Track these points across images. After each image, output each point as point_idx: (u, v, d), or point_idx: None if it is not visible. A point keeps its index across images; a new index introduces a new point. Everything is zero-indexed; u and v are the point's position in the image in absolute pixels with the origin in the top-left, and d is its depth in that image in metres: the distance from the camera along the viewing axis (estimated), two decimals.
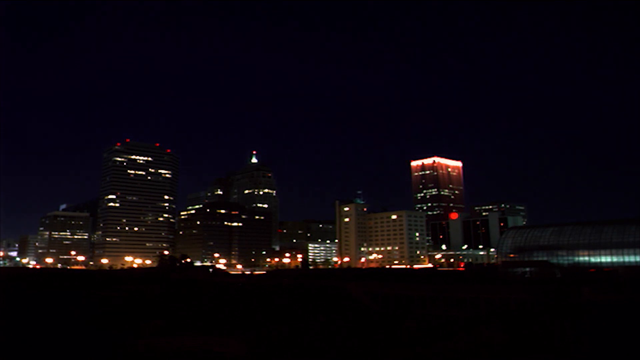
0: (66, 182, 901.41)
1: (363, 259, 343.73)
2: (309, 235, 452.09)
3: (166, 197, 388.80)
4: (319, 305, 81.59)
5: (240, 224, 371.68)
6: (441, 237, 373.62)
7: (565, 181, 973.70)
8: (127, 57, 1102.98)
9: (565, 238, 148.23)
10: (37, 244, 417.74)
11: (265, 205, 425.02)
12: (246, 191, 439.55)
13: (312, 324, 63.82)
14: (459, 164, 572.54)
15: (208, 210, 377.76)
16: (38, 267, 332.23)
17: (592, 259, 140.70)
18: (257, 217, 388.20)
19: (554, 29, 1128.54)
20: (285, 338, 55.70)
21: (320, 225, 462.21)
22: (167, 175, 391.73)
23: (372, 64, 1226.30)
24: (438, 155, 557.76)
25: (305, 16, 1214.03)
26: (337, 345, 53.53)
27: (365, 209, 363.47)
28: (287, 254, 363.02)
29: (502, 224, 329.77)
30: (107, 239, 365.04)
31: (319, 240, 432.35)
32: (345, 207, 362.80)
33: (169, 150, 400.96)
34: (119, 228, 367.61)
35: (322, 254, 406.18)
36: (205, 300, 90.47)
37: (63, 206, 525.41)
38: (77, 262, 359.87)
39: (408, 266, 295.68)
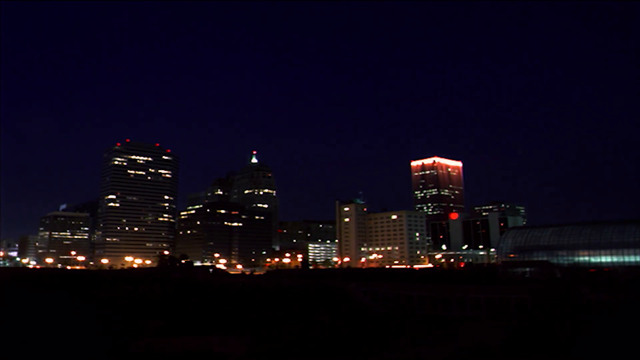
0: (66, 182, 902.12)
1: (363, 259, 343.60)
2: (309, 235, 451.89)
3: (166, 197, 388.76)
4: (319, 305, 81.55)
5: (240, 224, 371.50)
6: (441, 237, 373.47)
7: (565, 181, 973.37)
8: (127, 57, 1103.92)
9: (565, 238, 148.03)
10: (37, 244, 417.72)
11: (265, 205, 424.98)
12: (246, 191, 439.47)
13: (312, 324, 63.80)
14: (459, 164, 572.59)
15: (208, 210, 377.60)
16: (38, 267, 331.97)
17: (592, 259, 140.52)
18: (257, 217, 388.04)
19: (554, 29, 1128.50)
20: (285, 338, 55.69)
21: (320, 225, 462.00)
22: (167, 175, 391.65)
23: (372, 64, 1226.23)
24: (438, 155, 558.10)
25: (305, 16, 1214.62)
26: (337, 345, 53.50)
27: (365, 209, 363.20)
28: (287, 254, 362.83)
29: (502, 224, 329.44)
30: (107, 239, 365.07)
31: (319, 240, 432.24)
32: (345, 207, 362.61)
33: (169, 150, 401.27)
34: (119, 228, 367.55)
35: (322, 254, 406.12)
36: (205, 300, 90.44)
37: (63, 206, 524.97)
38: (77, 262, 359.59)
39: (408, 266, 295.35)
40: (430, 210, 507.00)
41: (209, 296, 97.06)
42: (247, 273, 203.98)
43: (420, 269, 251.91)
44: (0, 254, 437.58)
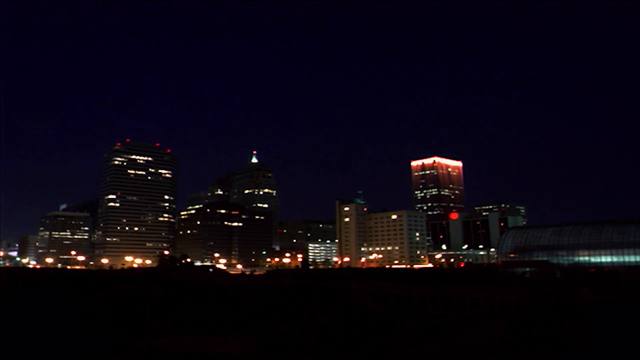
0: (66, 182, 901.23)
1: (363, 259, 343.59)
2: (309, 235, 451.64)
3: (166, 197, 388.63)
4: (319, 305, 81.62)
5: (240, 224, 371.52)
6: (441, 237, 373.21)
7: (565, 181, 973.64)
8: (127, 57, 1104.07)
9: (565, 238, 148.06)
10: (37, 244, 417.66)
11: (265, 205, 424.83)
12: (246, 191, 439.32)
13: (312, 324, 63.85)
14: (459, 164, 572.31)
15: (208, 210, 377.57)
16: (38, 267, 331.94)
17: (592, 259, 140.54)
18: (257, 217, 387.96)
19: (554, 29, 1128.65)
20: (285, 338, 55.73)
21: (320, 225, 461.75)
22: (167, 175, 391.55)
23: (372, 64, 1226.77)
24: (438, 155, 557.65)
25: (305, 16, 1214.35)
26: (337, 345, 53.54)
27: (365, 209, 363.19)
28: (287, 254, 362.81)
29: (502, 224, 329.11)
30: (107, 239, 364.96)
31: (319, 240, 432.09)
32: (345, 207, 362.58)
33: (169, 150, 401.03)
34: (119, 228, 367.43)
35: (322, 254, 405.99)
36: (205, 300, 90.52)
37: (63, 206, 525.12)
38: (77, 262, 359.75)
39: (408, 266, 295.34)
40: (430, 210, 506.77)
41: (209, 296, 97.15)
42: (247, 273, 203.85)
43: (420, 269, 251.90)
44: (0, 253, 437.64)
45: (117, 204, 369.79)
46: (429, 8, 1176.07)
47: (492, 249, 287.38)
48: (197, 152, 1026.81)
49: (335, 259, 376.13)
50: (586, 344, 48.38)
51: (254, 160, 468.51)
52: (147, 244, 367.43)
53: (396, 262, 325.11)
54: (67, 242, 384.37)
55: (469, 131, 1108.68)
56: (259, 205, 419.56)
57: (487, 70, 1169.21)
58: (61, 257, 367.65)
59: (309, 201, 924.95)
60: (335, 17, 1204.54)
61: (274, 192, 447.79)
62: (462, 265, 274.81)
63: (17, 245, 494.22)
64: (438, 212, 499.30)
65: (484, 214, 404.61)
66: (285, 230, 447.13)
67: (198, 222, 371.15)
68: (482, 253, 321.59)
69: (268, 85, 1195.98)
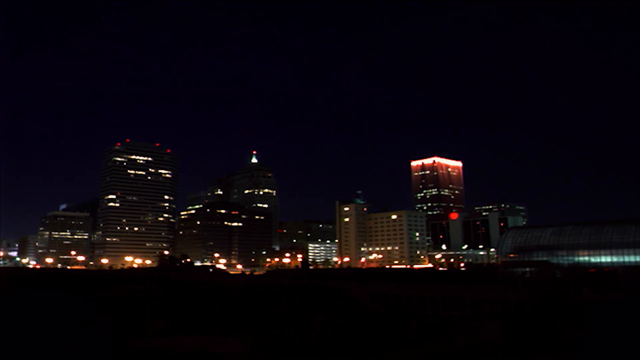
0: (66, 182, 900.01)
1: (363, 259, 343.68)
2: (309, 235, 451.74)
3: (166, 197, 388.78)
4: (319, 305, 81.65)
5: (240, 224, 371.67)
6: (441, 237, 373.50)
7: (565, 181, 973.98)
8: (127, 57, 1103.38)
9: (565, 238, 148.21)
10: (37, 244, 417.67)
11: (265, 205, 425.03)
12: (246, 191, 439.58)
13: (312, 324, 63.87)
14: (459, 164, 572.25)
15: (208, 210, 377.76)
16: (38, 267, 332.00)
17: (592, 259, 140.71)
18: (257, 217, 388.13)
19: (553, 29, 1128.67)
20: (285, 338, 55.78)
21: (320, 225, 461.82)
22: (167, 175, 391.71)
23: (371, 64, 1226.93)
24: (438, 155, 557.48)
25: (305, 15, 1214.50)
26: (337, 345, 53.57)
27: (365, 209, 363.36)
28: (287, 254, 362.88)
29: (502, 224, 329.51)
30: (107, 239, 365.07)
31: (319, 240, 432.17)
32: (345, 207, 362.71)
33: (169, 150, 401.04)
34: (119, 228, 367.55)
35: (322, 254, 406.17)
36: (205, 300, 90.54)
37: (63, 206, 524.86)
38: (77, 262, 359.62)
39: (408, 266, 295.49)
40: (430, 210, 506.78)
41: (209, 296, 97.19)
42: (247, 273, 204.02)
43: (420, 269, 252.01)
44: (0, 254, 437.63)
45: (117, 204, 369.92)
46: (429, 8, 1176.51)
47: (492, 249, 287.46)
48: (197, 152, 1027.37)
49: (335, 259, 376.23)
50: (586, 343, 48.39)
51: (254, 160, 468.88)
52: (147, 244, 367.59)
53: (396, 262, 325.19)
54: (67, 242, 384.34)
55: (469, 131, 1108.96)
56: (259, 205, 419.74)
57: (487, 70, 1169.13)
58: (61, 257, 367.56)
59: (309, 201, 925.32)
60: (334, 17, 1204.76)
61: (274, 192, 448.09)
62: (462, 266, 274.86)
63: (17, 245, 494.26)
64: (438, 212, 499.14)
65: (484, 214, 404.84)
66: (285, 230, 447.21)
67: (198, 222, 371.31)
68: (482, 253, 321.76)
69: (268, 85, 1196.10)
